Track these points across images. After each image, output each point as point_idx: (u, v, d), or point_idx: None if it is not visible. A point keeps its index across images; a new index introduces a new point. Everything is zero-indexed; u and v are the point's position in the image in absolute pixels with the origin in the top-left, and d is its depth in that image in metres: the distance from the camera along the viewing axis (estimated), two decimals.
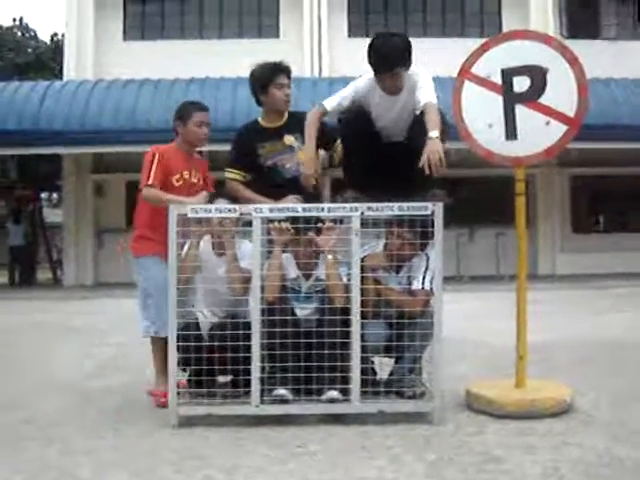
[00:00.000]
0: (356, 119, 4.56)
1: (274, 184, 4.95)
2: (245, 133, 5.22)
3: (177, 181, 4.87)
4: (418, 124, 4.48)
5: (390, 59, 4.53)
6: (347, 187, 4.72)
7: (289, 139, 5.00)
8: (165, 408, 4.27)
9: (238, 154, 5.10)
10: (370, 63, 4.58)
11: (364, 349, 4.15)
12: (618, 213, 19.01)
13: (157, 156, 4.85)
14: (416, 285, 4.50)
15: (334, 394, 4.20)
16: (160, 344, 4.64)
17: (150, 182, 4.78)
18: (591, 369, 5.69)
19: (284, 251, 4.52)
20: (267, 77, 4.98)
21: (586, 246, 17.87)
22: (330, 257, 4.41)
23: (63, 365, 6.34)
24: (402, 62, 4.54)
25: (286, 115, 5.09)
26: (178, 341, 4.19)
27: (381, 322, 4.42)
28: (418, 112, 4.51)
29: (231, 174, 5.05)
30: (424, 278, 4.48)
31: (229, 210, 4.26)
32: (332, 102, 4.71)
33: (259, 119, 5.15)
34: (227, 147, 5.19)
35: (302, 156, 4.87)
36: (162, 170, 4.82)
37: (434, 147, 4.22)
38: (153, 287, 4.76)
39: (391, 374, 4.61)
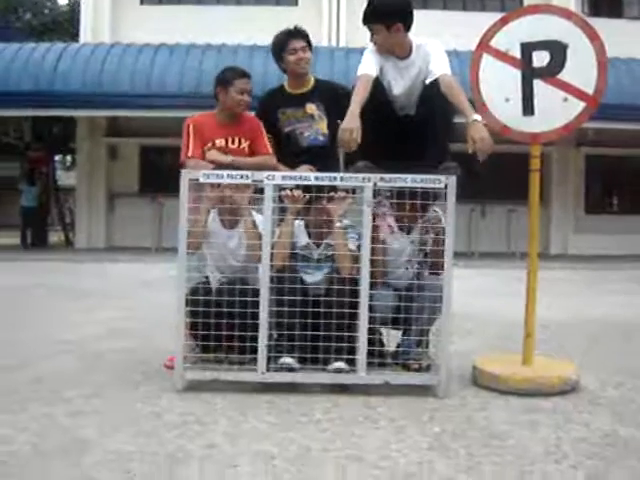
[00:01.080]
0: (371, 88, 4.50)
1: (291, 152, 4.93)
2: (268, 98, 5.20)
3: (208, 149, 4.82)
4: (428, 94, 4.46)
5: (367, 12, 4.55)
6: (359, 157, 4.68)
7: (311, 107, 4.97)
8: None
9: (260, 118, 5.05)
10: None
11: (372, 320, 4.15)
12: (632, 195, 18.91)
13: (191, 127, 4.85)
14: None
15: (341, 365, 4.20)
16: None
17: (190, 155, 4.79)
18: (600, 349, 5.67)
19: (295, 219, 4.51)
20: (280, 44, 4.98)
21: (599, 227, 17.81)
22: (339, 224, 4.40)
23: (72, 327, 6.37)
24: (377, 18, 4.51)
25: (312, 82, 5.06)
26: (187, 306, 4.21)
27: (390, 293, 4.41)
28: (428, 81, 4.46)
29: None
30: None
31: (241, 176, 4.23)
32: (370, 68, 4.54)
33: (284, 84, 5.12)
34: None
35: (323, 126, 4.86)
36: (199, 139, 4.81)
37: (482, 133, 4.13)
38: None
39: (398, 346, 4.61)
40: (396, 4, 4.58)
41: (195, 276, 4.41)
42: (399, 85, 4.63)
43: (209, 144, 4.83)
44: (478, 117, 4.22)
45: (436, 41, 4.62)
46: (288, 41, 4.96)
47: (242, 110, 4.93)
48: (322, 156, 4.89)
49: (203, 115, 5.02)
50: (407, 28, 4.54)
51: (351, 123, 4.21)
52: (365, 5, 4.59)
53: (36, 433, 3.36)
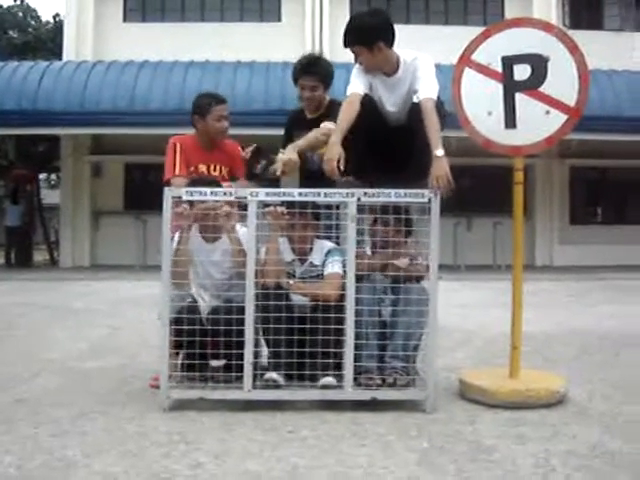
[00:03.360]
0: (363, 101, 4.50)
1: (306, 171, 4.95)
2: (289, 120, 5.31)
3: (190, 174, 4.84)
4: (415, 113, 4.45)
5: (346, 35, 4.55)
6: (353, 171, 4.67)
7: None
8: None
9: (284, 140, 5.09)
10: None
11: (358, 336, 4.13)
12: (616, 205, 19.03)
13: (178, 146, 4.89)
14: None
15: (329, 380, 4.17)
16: None
17: (177, 173, 4.81)
18: (586, 361, 5.67)
19: (282, 235, 4.50)
20: (295, 75, 5.06)
21: (584, 238, 17.90)
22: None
23: (56, 346, 6.32)
24: (357, 39, 4.51)
25: (326, 103, 5.07)
26: (174, 325, 4.19)
27: (375, 309, 4.38)
28: (415, 100, 4.47)
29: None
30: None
31: (224, 193, 4.21)
32: (358, 86, 4.56)
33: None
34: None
35: (324, 149, 4.85)
36: (184, 160, 4.84)
37: (441, 170, 4.15)
38: None
39: (384, 361, 4.57)
40: (373, 23, 4.56)
41: (179, 295, 4.37)
42: (390, 101, 4.64)
43: (191, 168, 4.87)
44: (440, 153, 4.21)
45: (426, 55, 4.61)
46: (301, 76, 5.00)
47: (222, 137, 4.98)
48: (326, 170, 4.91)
49: (187, 137, 5.04)
50: (389, 45, 4.54)
51: (333, 154, 4.27)
52: (345, 27, 4.59)
53: (21, 455, 3.31)
